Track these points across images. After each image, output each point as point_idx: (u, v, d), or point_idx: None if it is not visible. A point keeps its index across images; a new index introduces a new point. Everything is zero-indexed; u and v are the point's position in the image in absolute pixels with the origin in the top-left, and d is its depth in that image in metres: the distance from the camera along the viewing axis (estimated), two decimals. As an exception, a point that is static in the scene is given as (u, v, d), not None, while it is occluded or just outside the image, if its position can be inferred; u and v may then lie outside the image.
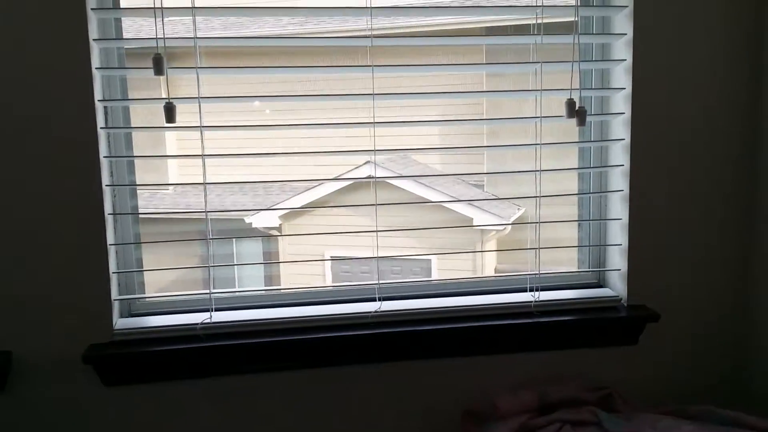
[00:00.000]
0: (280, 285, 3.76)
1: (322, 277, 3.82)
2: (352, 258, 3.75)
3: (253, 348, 1.76)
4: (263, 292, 1.95)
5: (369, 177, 1.97)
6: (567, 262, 2.29)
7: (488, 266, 3.92)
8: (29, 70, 1.56)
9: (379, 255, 1.93)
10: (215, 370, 1.78)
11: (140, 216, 1.84)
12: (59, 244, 1.68)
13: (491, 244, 3.99)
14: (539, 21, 1.84)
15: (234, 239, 3.87)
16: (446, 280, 2.05)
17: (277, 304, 1.89)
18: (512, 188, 3.61)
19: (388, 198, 2.10)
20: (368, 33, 1.73)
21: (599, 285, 2.09)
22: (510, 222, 4.05)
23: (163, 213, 2.47)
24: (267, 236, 3.80)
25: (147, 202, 2.98)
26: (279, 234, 3.79)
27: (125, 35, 1.74)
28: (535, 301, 1.95)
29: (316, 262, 3.76)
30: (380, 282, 1.91)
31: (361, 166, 3.73)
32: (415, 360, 1.89)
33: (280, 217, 3.68)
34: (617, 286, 2.06)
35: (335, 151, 1.89)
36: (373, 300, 1.91)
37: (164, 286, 2.33)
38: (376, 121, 1.81)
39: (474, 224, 3.98)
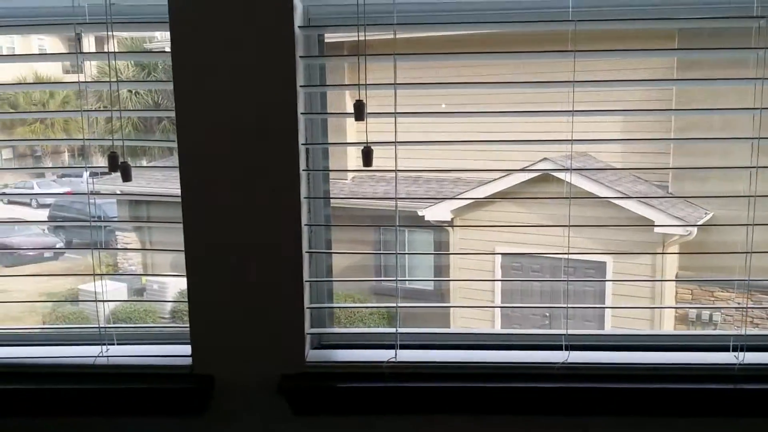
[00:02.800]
0: (449, 276, 3.80)
1: (492, 273, 3.80)
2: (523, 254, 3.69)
3: (434, 391, 1.78)
4: (447, 330, 1.96)
5: (565, 168, 1.88)
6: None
7: (668, 271, 3.70)
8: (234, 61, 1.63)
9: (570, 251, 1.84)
10: (398, 408, 1.81)
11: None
12: (261, 278, 1.76)
13: (673, 249, 3.77)
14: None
15: (406, 229, 3.96)
16: (638, 333, 1.92)
17: (461, 345, 1.88)
18: (698, 188, 3.38)
19: (561, 194, 2.00)
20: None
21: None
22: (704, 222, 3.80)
23: (352, 198, 2.54)
24: (450, 227, 3.84)
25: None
26: (454, 226, 3.80)
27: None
28: (739, 364, 1.78)
29: (486, 260, 3.74)
30: (568, 331, 1.83)
31: (538, 162, 3.66)
32: (602, 416, 1.80)
33: (452, 211, 3.69)
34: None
35: (532, 140, 1.82)
36: (560, 349, 1.83)
37: (339, 272, 2.41)
38: (575, 109, 1.71)
39: (656, 225, 3.78)
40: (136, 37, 3.27)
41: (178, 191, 1.75)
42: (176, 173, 1.75)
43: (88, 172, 2.11)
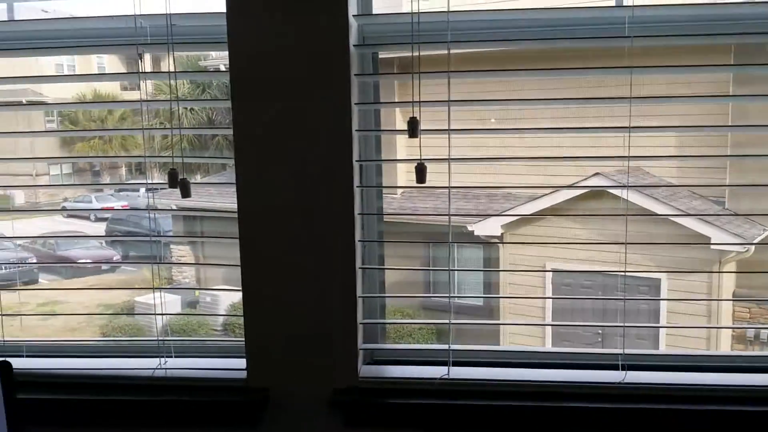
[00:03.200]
0: (498, 293, 3.76)
1: (542, 290, 3.75)
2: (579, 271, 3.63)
3: (487, 409, 1.76)
4: (500, 348, 1.94)
5: (622, 185, 1.85)
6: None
7: (725, 289, 3.60)
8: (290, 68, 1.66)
9: (627, 271, 1.80)
10: (451, 425, 1.79)
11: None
12: (315, 293, 1.78)
13: (730, 266, 3.66)
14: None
15: (455, 245, 3.93)
16: (695, 353, 1.87)
17: (513, 363, 1.86)
18: (756, 205, 3.29)
19: (615, 210, 1.97)
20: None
21: None
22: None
23: (405, 214, 2.54)
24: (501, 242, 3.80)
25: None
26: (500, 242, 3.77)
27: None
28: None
29: (536, 276, 3.69)
30: (625, 350, 1.79)
31: (590, 177, 3.61)
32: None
33: (502, 226, 3.66)
34: None
35: (588, 156, 1.81)
36: (616, 368, 1.79)
37: (388, 287, 2.41)
38: (632, 125, 1.67)
39: (713, 244, 3.68)
40: (191, 54, 3.33)
41: (232, 206, 1.78)
42: (229, 188, 1.78)
43: (145, 188, 2.16)
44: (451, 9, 1.62)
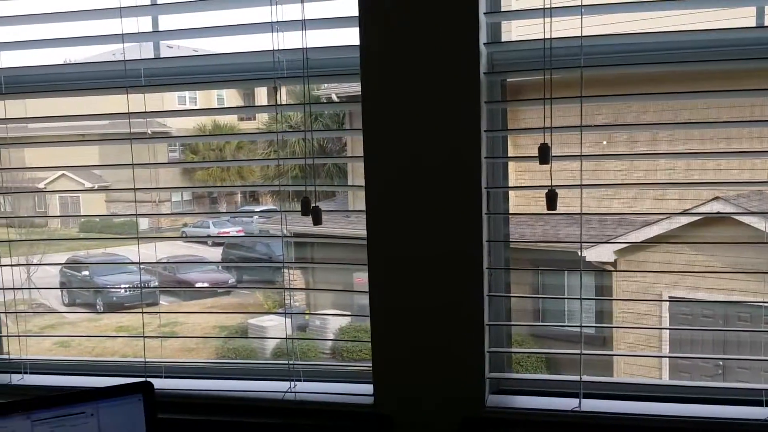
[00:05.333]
0: (611, 323, 3.65)
1: (659, 318, 3.62)
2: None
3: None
4: (635, 381, 1.87)
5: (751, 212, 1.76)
6: None
7: None
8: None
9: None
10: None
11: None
12: (443, 321, 1.78)
13: None
14: None
15: (566, 271, 3.84)
16: None
17: (643, 396, 1.79)
18: None
19: (733, 237, 1.87)
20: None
21: None
22: None
23: (535, 242, 2.51)
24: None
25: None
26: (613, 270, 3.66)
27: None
28: None
29: (652, 304, 3.56)
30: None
31: (709, 201, 3.47)
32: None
33: (615, 252, 3.57)
34: None
35: (733, 181, 1.72)
36: (759, 405, 1.69)
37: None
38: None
39: None
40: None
41: (343, 231, 1.80)
42: (337, 215, 1.80)
43: (257, 215, 2.23)
44: (584, 34, 1.60)
